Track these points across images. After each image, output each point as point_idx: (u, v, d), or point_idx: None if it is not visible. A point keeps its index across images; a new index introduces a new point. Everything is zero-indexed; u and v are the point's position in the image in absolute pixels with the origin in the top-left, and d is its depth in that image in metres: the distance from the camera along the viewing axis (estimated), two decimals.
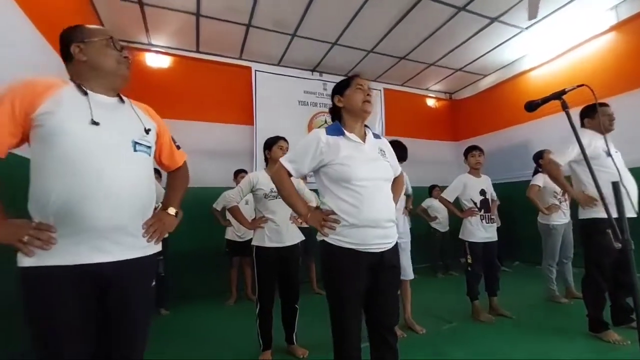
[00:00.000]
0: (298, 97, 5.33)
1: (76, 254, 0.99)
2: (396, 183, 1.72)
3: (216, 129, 4.87)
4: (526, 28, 4.53)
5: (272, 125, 5.01)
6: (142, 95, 4.61)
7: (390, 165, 1.55)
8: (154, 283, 1.21)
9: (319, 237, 1.48)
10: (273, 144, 2.43)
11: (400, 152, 2.81)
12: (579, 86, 1.52)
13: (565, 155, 2.37)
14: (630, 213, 2.20)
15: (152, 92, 4.60)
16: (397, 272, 1.55)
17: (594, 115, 2.45)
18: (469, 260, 2.98)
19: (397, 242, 1.52)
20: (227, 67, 5.02)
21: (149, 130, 1.17)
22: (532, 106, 1.64)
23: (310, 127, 5.39)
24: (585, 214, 2.37)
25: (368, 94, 1.50)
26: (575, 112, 1.60)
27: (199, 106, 4.81)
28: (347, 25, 4.34)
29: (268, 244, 2.30)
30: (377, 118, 5.96)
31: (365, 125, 1.59)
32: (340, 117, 1.56)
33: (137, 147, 1.11)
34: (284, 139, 2.47)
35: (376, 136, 1.61)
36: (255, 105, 5.03)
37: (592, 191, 2.29)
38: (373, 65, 5.52)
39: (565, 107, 1.52)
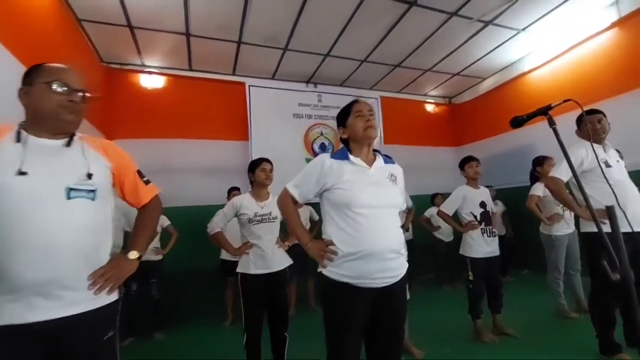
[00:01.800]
0: (293, 110, 5.29)
1: (11, 313, 0.93)
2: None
3: (212, 146, 4.85)
4: (523, 29, 4.42)
5: (267, 139, 4.99)
6: (137, 116, 4.65)
7: (399, 192, 1.46)
8: (111, 334, 1.12)
9: (319, 269, 1.40)
10: (256, 167, 2.37)
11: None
12: (565, 101, 1.42)
13: (564, 170, 2.22)
14: (636, 226, 2.08)
15: (147, 112, 4.65)
16: (402, 310, 1.42)
17: (580, 125, 2.34)
18: (470, 277, 2.84)
19: (404, 276, 1.41)
20: (220, 84, 5.02)
21: (91, 174, 1.09)
22: (517, 122, 1.55)
23: (306, 140, 5.33)
24: (587, 227, 2.23)
25: (368, 120, 1.43)
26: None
27: (194, 124, 4.81)
28: (338, 36, 4.30)
29: (254, 270, 2.23)
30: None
31: (376, 150, 1.52)
32: (348, 144, 1.51)
33: (72, 194, 1.04)
34: (266, 160, 2.40)
35: (388, 161, 1.53)
36: (250, 120, 5.01)
37: (600, 203, 2.13)
38: (368, 74, 5.46)
39: (552, 123, 1.43)
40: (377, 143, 5.69)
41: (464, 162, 3.01)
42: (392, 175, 1.46)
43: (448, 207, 2.97)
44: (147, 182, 1.33)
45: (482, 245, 2.83)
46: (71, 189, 1.04)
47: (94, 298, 1.06)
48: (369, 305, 1.32)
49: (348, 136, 1.48)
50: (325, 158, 1.43)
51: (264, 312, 2.27)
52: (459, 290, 4.68)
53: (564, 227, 3.13)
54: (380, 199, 1.37)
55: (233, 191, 4.00)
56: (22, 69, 2.42)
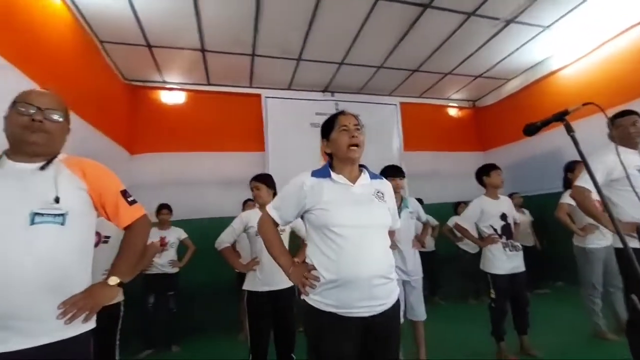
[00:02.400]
0: (310, 120, 5.26)
1: None
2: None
3: (229, 158, 4.91)
4: (548, 26, 4.14)
5: (284, 150, 5.00)
6: (158, 131, 4.79)
7: (387, 210, 1.34)
8: None
9: (302, 295, 1.31)
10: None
11: (394, 171, 2.60)
12: (584, 105, 1.27)
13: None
14: None
15: (167, 127, 4.80)
16: (394, 340, 1.30)
17: (612, 128, 2.08)
18: (492, 295, 2.64)
19: (396, 302, 1.29)
20: (237, 97, 5.10)
21: (59, 198, 1.06)
22: (531, 130, 1.44)
23: (322, 149, 5.28)
24: (619, 242, 1.99)
25: (354, 136, 1.31)
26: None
27: (211, 137, 4.91)
28: (351, 44, 4.24)
29: (260, 288, 2.18)
30: (394, 133, 5.72)
31: (362, 166, 1.42)
32: (332, 159, 1.41)
33: (37, 219, 1.00)
34: (257, 179, 2.35)
35: (375, 177, 1.42)
36: (267, 131, 5.04)
37: (630, 215, 1.91)
38: (386, 80, 5.34)
39: (569, 130, 1.30)
40: (396, 150, 5.63)
41: (489, 170, 2.77)
42: (378, 192, 1.35)
43: (465, 221, 2.80)
44: (132, 203, 1.28)
45: (503, 261, 2.62)
46: (36, 214, 1.00)
47: (64, 328, 1.01)
48: (358, 336, 1.21)
49: (331, 151, 1.38)
50: (305, 178, 1.34)
51: (270, 331, 2.22)
52: (485, 305, 4.40)
53: (599, 239, 2.83)
54: (363, 218, 1.26)
55: (248, 202, 4.01)
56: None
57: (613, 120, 2.10)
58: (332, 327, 1.20)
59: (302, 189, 1.31)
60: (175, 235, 3.67)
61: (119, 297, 2.09)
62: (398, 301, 1.31)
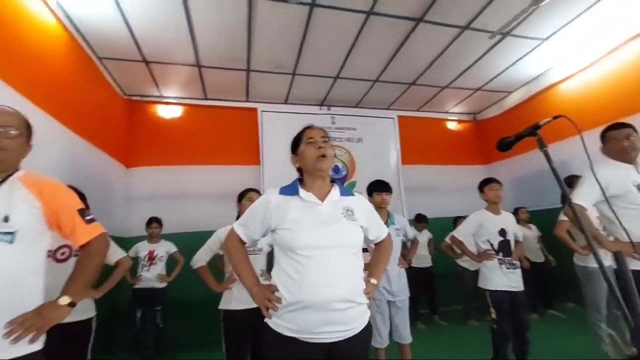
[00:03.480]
0: None
1: None
2: (380, 248, 1.46)
3: (224, 171, 4.90)
4: (546, 38, 4.07)
5: (279, 163, 4.95)
6: (155, 145, 4.83)
7: (359, 228, 1.28)
8: None
9: (265, 319, 1.23)
10: (242, 197, 2.30)
11: (380, 186, 2.55)
12: (554, 118, 1.20)
13: (586, 194, 1.86)
14: None
15: (164, 141, 4.84)
16: None
17: (605, 142, 1.98)
18: (493, 316, 2.48)
19: (365, 328, 1.21)
20: (234, 111, 5.14)
21: (8, 216, 1.05)
22: (505, 144, 1.36)
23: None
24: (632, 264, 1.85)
25: (321, 147, 1.28)
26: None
27: (208, 150, 4.93)
28: (345, 58, 4.24)
29: (235, 306, 2.11)
30: (391, 147, 5.66)
31: (333, 181, 1.36)
32: (302, 175, 1.37)
33: None
34: (254, 190, 2.33)
35: (346, 193, 1.35)
36: (262, 145, 5.04)
37: (634, 233, 1.77)
38: (383, 94, 5.32)
39: (542, 146, 1.22)
40: (394, 164, 5.55)
41: (484, 184, 2.71)
42: (347, 210, 1.27)
43: (462, 233, 2.69)
44: (89, 222, 1.25)
45: (500, 277, 2.49)
46: None
47: (9, 348, 0.99)
48: None
49: (300, 165, 1.35)
50: (271, 195, 1.30)
51: (247, 351, 2.12)
52: (488, 326, 4.20)
53: (602, 258, 2.65)
54: (329, 238, 1.18)
55: None
56: (39, 113, 2.66)
57: (605, 134, 2.01)
58: (293, 353, 1.13)
59: (267, 207, 1.27)
60: (165, 249, 3.63)
61: (91, 313, 2.05)
62: (368, 327, 1.23)
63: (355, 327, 1.17)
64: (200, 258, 2.27)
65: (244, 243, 1.37)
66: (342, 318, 1.13)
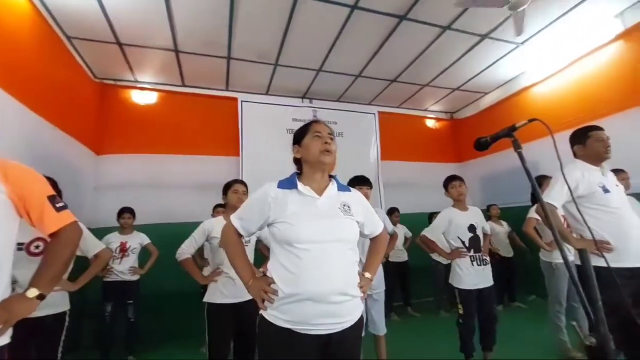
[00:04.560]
0: (286, 126, 5.19)
1: None
2: (375, 243, 1.48)
3: (202, 161, 4.78)
4: (522, 43, 4.23)
5: (259, 155, 4.92)
6: (128, 132, 4.62)
7: (355, 223, 1.30)
8: None
9: (260, 311, 1.24)
10: (228, 188, 2.25)
11: (360, 181, 2.57)
12: (530, 121, 1.24)
13: (557, 194, 1.96)
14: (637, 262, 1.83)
15: (138, 128, 4.64)
16: None
17: (586, 142, 2.07)
18: (460, 311, 2.58)
19: (359, 320, 1.24)
20: (213, 99, 5.00)
21: None
22: (481, 144, 1.40)
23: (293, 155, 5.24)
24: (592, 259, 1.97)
25: (326, 142, 1.29)
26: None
27: (184, 140, 4.77)
28: (329, 51, 4.22)
29: (221, 299, 2.08)
30: (372, 142, 5.72)
31: (331, 176, 1.38)
32: (301, 168, 1.36)
33: None
34: (240, 182, 2.29)
35: (343, 188, 1.38)
36: (242, 135, 4.95)
37: (596, 232, 1.88)
38: (364, 89, 5.35)
39: (517, 147, 1.26)
40: (374, 159, 5.62)
41: (447, 182, 2.76)
42: (344, 205, 1.29)
43: (431, 232, 2.76)
44: (60, 209, 1.18)
45: (472, 276, 2.56)
46: None
47: None
48: (314, 354, 1.15)
49: (302, 156, 1.34)
50: (270, 189, 1.29)
51: (230, 346, 2.11)
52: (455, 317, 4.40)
53: (566, 254, 2.84)
54: (327, 232, 1.20)
55: (218, 208, 3.88)
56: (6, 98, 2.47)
57: (588, 133, 2.07)
58: (287, 345, 1.15)
59: (266, 201, 1.27)
60: (138, 240, 3.51)
61: (64, 306, 1.96)
62: (361, 319, 1.26)
63: (349, 319, 1.20)
64: (185, 250, 2.22)
65: (240, 236, 1.36)
66: (337, 310, 1.16)
